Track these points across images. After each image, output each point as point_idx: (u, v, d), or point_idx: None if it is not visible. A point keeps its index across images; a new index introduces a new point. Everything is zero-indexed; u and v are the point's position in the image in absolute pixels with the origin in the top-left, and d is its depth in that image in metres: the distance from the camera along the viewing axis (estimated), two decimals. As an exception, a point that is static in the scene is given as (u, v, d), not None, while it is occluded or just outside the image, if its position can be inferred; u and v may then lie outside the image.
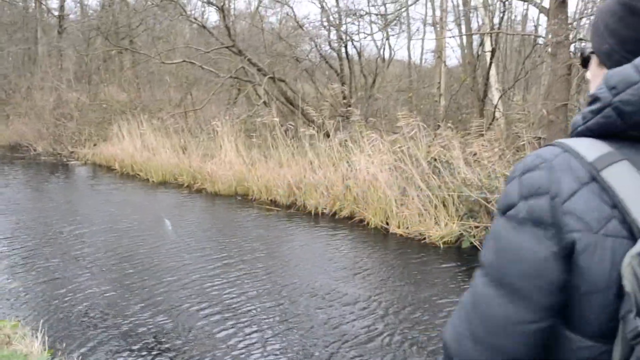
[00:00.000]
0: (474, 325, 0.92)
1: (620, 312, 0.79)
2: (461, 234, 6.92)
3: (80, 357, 4.00)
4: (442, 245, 6.88)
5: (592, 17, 1.11)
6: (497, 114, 9.82)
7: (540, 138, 8.21)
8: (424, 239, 7.14)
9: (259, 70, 12.38)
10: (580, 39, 8.45)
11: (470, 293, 0.96)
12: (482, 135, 8.64)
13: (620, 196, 0.81)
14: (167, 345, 4.24)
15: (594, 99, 0.88)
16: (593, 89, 1.02)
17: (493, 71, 10.55)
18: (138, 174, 12.47)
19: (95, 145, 15.01)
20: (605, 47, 0.97)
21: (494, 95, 10.44)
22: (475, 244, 6.73)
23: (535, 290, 0.86)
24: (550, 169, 0.86)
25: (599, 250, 0.81)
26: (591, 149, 0.86)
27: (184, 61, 13.65)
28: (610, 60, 0.96)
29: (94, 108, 16.51)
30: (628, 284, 0.77)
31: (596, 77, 1.03)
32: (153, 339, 4.34)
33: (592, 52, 1.03)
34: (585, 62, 1.07)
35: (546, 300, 0.86)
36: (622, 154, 0.84)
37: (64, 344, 4.22)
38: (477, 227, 6.92)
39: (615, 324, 0.80)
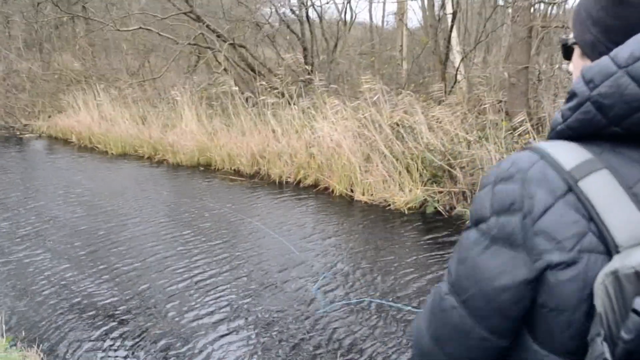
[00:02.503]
0: (434, 326, 0.92)
1: (589, 333, 0.75)
2: (425, 199, 6.97)
3: (42, 343, 3.91)
4: (406, 211, 6.93)
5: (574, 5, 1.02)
6: (459, 77, 9.82)
7: (501, 101, 8.26)
8: (389, 205, 7.17)
9: (219, 36, 12.03)
10: (541, 1, 8.45)
11: (437, 291, 0.94)
12: (445, 99, 8.65)
13: (598, 209, 0.76)
14: (130, 323, 4.17)
15: (571, 95, 0.83)
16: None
17: (454, 34, 10.49)
18: (96, 147, 12.14)
19: (50, 117, 14.50)
20: (588, 36, 0.91)
21: (456, 58, 10.42)
22: (439, 209, 6.80)
23: (495, 314, 0.83)
24: (524, 182, 0.82)
25: (572, 268, 0.77)
26: (570, 155, 0.81)
27: (140, 28, 13.16)
28: (594, 52, 0.90)
29: (47, 78, 15.86)
30: (599, 303, 0.73)
31: (578, 69, 0.96)
32: (117, 318, 4.27)
33: (574, 43, 0.96)
34: (567, 54, 1.01)
35: (506, 325, 0.84)
36: (602, 161, 0.79)
37: (24, 330, 4.12)
38: (440, 192, 6.98)
39: (583, 342, 0.76)
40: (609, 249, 0.75)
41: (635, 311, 0.67)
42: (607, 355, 0.70)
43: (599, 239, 0.76)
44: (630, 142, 0.80)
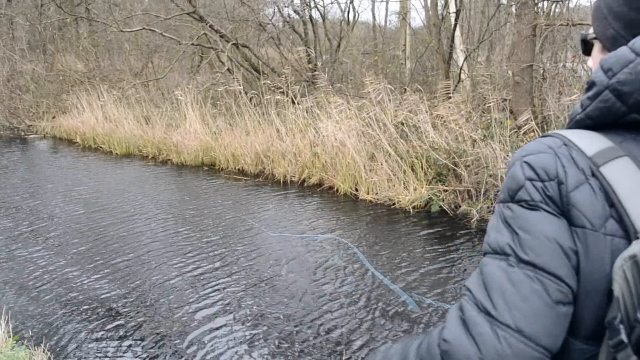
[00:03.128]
0: (504, 319, 0.80)
1: (607, 316, 0.75)
2: (430, 198, 6.95)
3: (48, 342, 3.91)
4: (411, 210, 6.92)
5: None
6: (463, 76, 9.80)
7: (505, 99, 8.23)
8: (394, 204, 7.16)
9: (222, 36, 12.05)
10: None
11: (494, 267, 0.84)
12: (449, 97, 8.63)
13: (619, 195, 0.76)
14: (133, 319, 4.17)
15: (590, 85, 0.84)
16: None
17: (458, 32, 10.47)
18: (101, 147, 12.16)
19: (54, 117, 14.54)
20: (610, 31, 0.91)
21: (459, 56, 10.40)
22: (444, 207, 6.78)
23: (566, 270, 0.80)
24: (556, 154, 0.83)
25: (600, 249, 0.77)
26: (591, 143, 0.81)
27: (143, 28, 13.18)
28: (615, 46, 0.89)
29: (51, 79, 15.91)
30: (617, 287, 0.73)
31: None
32: (120, 315, 4.27)
33: (594, 38, 0.96)
34: (587, 49, 1.01)
35: (573, 283, 0.80)
36: (623, 149, 0.80)
37: (29, 329, 4.13)
38: (445, 190, 6.96)
39: (603, 326, 0.77)
40: (629, 235, 0.75)
41: None
42: (624, 337, 0.71)
43: (619, 224, 0.76)
44: None
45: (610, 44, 0.91)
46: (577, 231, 0.79)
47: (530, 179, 0.83)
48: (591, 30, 0.97)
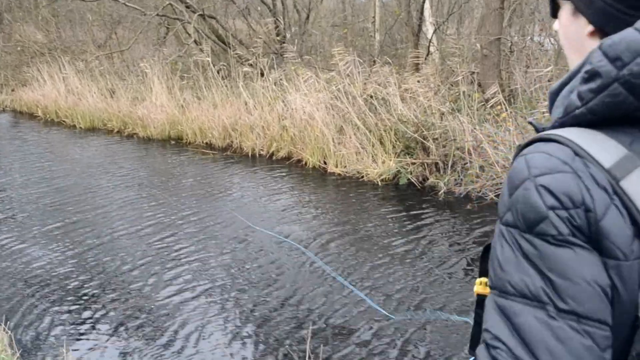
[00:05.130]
0: None
1: (634, 346, 0.69)
2: (398, 170, 6.97)
3: (9, 320, 3.81)
4: (380, 183, 6.93)
5: None
6: (432, 49, 9.78)
7: (473, 73, 8.26)
8: (362, 177, 7.17)
9: (188, 7, 11.75)
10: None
11: (515, 337, 0.73)
12: (418, 70, 8.62)
13: None
14: (95, 297, 4.11)
15: (593, 75, 0.72)
16: (566, 44, 0.87)
17: (427, 5, 10.42)
18: (64, 121, 11.84)
19: (13, 90, 14.07)
20: None
21: (429, 29, 10.36)
22: (412, 180, 6.81)
23: (608, 312, 0.71)
24: (577, 175, 0.71)
25: (633, 277, 0.70)
26: (604, 150, 0.71)
27: (106, -2, 12.79)
28: (590, 8, 0.79)
29: (9, 50, 15.34)
30: None
31: (569, 29, 0.85)
32: (83, 294, 4.20)
33: None
34: (554, 10, 0.89)
35: (611, 321, 0.72)
36: (637, 154, 0.70)
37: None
38: (413, 163, 6.99)
39: (623, 356, 0.71)
40: None
41: None
42: None
43: None
44: None
45: (585, 5, 0.80)
46: (609, 263, 0.70)
47: (553, 208, 0.71)
48: None
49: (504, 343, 0.72)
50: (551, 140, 0.75)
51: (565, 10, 0.85)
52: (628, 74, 0.68)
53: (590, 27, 0.80)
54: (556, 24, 0.89)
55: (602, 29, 0.76)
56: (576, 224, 0.70)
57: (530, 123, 0.92)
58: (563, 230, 0.70)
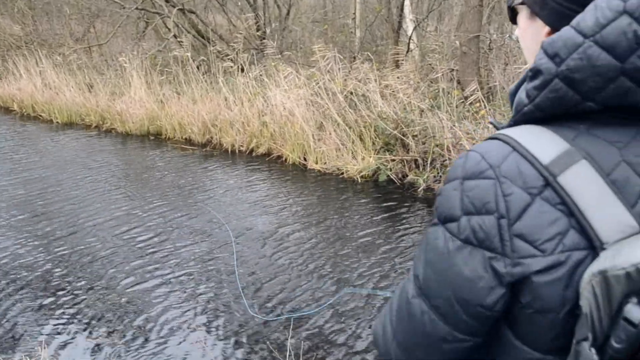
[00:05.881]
0: (402, 332, 0.85)
1: (575, 335, 0.71)
2: (378, 167, 7.00)
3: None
4: (359, 179, 6.95)
5: None
6: (412, 45, 9.81)
7: (453, 70, 8.31)
8: (342, 173, 7.17)
9: (167, 1, 11.64)
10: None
11: (402, 295, 0.87)
12: (398, 66, 8.64)
13: (579, 205, 0.70)
14: (71, 291, 4.06)
15: (535, 73, 0.75)
16: (526, 50, 0.89)
17: (407, 2, 10.45)
18: (40, 115, 11.66)
19: (-12, 84, 13.80)
20: None
21: (409, 26, 10.40)
22: (391, 177, 6.84)
23: (472, 318, 0.78)
24: (498, 178, 0.75)
25: (555, 270, 0.72)
26: (546, 146, 0.74)
27: (84, -10, 12.59)
28: (544, 10, 0.81)
29: (-17, 43, 15.05)
30: (585, 304, 0.68)
31: (527, 32, 0.87)
32: (57, 288, 4.15)
33: (521, 3, 0.87)
34: (514, 16, 0.91)
35: (484, 327, 0.79)
36: (578, 149, 0.73)
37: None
38: (393, 160, 7.02)
39: (567, 340, 0.73)
40: (593, 245, 0.70)
41: (626, 319, 0.63)
42: (595, 358, 0.67)
43: (582, 235, 0.71)
44: (604, 120, 0.74)
45: (538, 7, 0.83)
46: (523, 263, 0.73)
47: (466, 213, 0.77)
48: None
49: (390, 304, 0.90)
50: (495, 139, 0.79)
51: (523, 15, 0.88)
52: (566, 69, 0.71)
53: (547, 29, 0.83)
54: (517, 31, 0.91)
55: (557, 29, 0.77)
56: (485, 229, 0.75)
57: (491, 123, 0.95)
58: (468, 234, 0.77)
